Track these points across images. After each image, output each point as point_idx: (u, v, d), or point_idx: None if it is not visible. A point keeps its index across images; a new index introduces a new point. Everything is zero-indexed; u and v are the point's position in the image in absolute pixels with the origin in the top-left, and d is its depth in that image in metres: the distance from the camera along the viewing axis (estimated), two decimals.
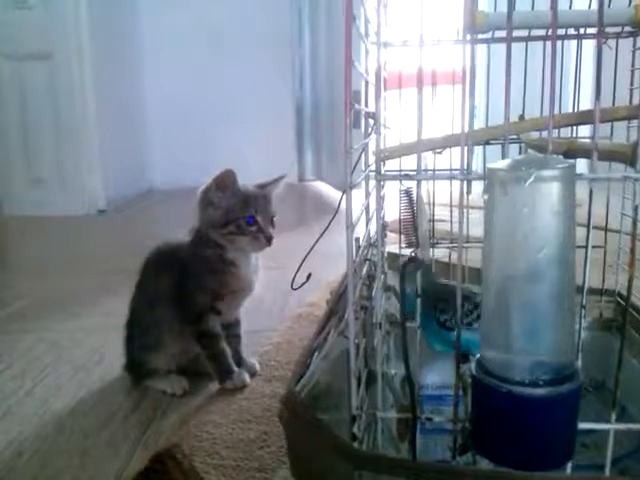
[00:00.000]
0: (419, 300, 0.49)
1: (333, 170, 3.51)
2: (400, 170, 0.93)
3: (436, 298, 0.78)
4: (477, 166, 1.15)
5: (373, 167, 0.61)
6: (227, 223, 1.01)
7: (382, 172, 0.51)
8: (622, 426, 0.44)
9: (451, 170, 1.10)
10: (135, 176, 3.80)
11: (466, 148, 0.46)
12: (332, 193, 3.51)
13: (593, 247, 0.74)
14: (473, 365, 0.42)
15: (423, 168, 0.53)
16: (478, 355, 0.42)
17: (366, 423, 0.52)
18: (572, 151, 0.54)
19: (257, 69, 3.93)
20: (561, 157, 0.56)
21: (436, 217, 1.12)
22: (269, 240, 1.02)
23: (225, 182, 1.01)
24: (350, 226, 0.41)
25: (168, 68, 3.90)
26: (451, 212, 1.22)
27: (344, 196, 0.47)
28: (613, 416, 0.44)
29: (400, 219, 0.86)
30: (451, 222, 1.16)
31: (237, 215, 1.01)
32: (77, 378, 1.15)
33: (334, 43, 3.28)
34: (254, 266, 1.07)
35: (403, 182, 0.54)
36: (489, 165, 0.38)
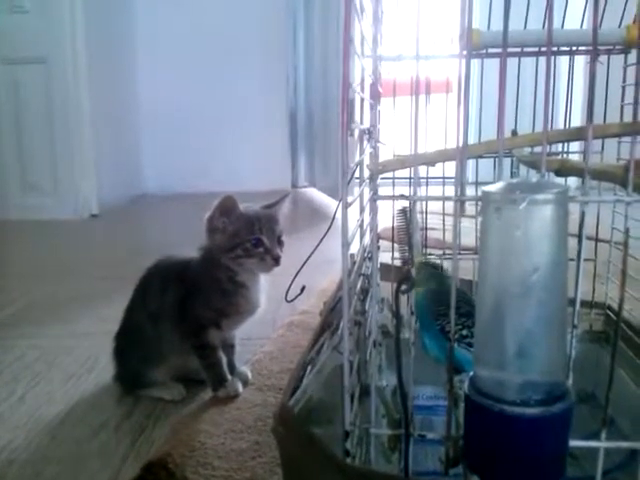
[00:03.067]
0: (413, 317, 0.49)
1: (326, 177, 3.51)
2: (394, 177, 0.94)
3: (449, 305, 0.78)
4: (470, 176, 1.16)
5: (367, 177, 0.62)
6: (234, 247, 1.02)
7: (377, 188, 0.52)
8: (612, 444, 0.45)
9: (444, 178, 1.11)
10: (128, 181, 3.80)
11: (459, 166, 0.46)
12: (325, 200, 3.51)
13: (584, 260, 0.75)
14: (466, 383, 0.43)
15: (416, 176, 0.54)
16: (471, 373, 0.43)
17: (358, 437, 0.52)
18: (564, 169, 0.55)
19: (251, 75, 3.94)
20: (553, 176, 0.57)
21: (428, 225, 1.12)
22: (277, 260, 1.03)
23: (227, 208, 1.02)
24: (345, 245, 0.42)
25: (163, 74, 3.90)
26: (443, 220, 1.23)
27: (340, 211, 0.47)
28: (603, 434, 0.45)
29: (393, 229, 0.87)
30: (443, 230, 1.17)
31: (242, 238, 1.02)
32: (69, 385, 1.15)
33: (328, 50, 3.29)
34: (262, 286, 1.08)
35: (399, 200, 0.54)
36: (483, 188, 0.39)
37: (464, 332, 0.73)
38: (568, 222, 0.38)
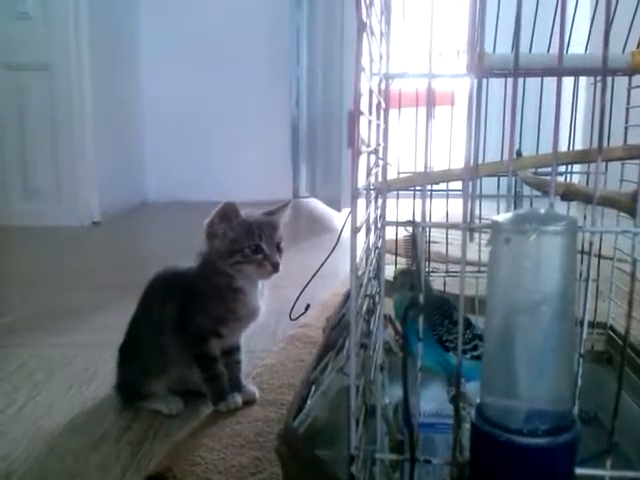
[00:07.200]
0: (420, 344, 0.49)
1: (327, 188, 3.52)
2: (398, 189, 0.94)
3: (446, 315, 0.80)
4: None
5: (373, 197, 0.62)
6: (233, 253, 1.02)
7: (385, 209, 0.52)
8: (617, 473, 0.45)
9: (448, 191, 1.11)
10: (130, 188, 3.81)
11: (467, 192, 0.47)
12: (326, 210, 3.52)
13: (586, 280, 0.75)
14: (473, 412, 0.43)
15: (423, 200, 0.54)
16: (478, 400, 0.43)
17: (363, 459, 0.52)
18: (570, 194, 0.55)
19: (254, 86, 3.95)
20: (559, 199, 0.57)
21: (431, 239, 1.13)
22: (275, 267, 1.03)
23: (227, 214, 1.02)
24: (354, 270, 0.42)
25: (165, 82, 3.91)
26: (447, 234, 1.23)
27: (345, 224, 0.47)
28: (608, 463, 0.45)
29: (397, 243, 0.88)
30: (446, 244, 1.18)
31: (242, 245, 1.02)
32: (69, 396, 1.15)
33: (331, 62, 3.31)
34: (260, 292, 1.08)
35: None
36: (493, 217, 0.39)
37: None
38: (576, 253, 0.38)
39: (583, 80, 0.91)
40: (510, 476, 0.40)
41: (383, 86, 0.56)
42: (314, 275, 0.86)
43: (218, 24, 3.86)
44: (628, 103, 0.89)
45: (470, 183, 0.46)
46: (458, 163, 0.72)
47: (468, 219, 0.43)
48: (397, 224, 0.51)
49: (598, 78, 0.82)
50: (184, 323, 1.05)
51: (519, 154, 0.79)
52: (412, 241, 0.54)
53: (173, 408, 1.07)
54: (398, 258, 0.97)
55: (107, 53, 3.33)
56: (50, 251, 2.63)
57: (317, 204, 3.82)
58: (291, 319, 0.90)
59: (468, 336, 0.81)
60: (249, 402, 1.08)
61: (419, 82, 0.64)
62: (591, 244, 0.43)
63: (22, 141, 3.08)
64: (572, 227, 0.37)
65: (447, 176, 0.69)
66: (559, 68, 0.48)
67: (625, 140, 0.87)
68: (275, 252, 1.04)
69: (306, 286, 0.88)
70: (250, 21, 3.88)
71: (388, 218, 0.53)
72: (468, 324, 0.83)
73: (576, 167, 0.95)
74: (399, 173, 0.93)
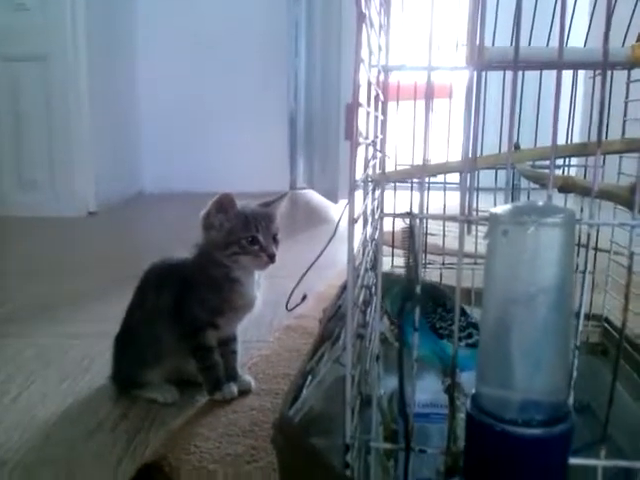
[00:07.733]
0: (417, 334, 0.49)
1: (324, 179, 3.52)
2: (395, 181, 0.94)
3: (438, 303, 0.80)
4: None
5: (371, 189, 0.62)
6: (229, 245, 1.02)
7: (382, 202, 0.52)
8: (610, 463, 0.45)
9: (445, 184, 1.12)
10: (126, 179, 3.80)
11: (464, 185, 0.47)
12: (323, 202, 3.52)
13: (583, 273, 0.76)
14: (468, 402, 0.43)
15: (421, 192, 0.54)
16: (473, 391, 0.43)
17: (357, 448, 0.52)
18: (568, 187, 0.55)
19: (252, 77, 3.94)
20: (557, 191, 0.57)
21: (427, 231, 1.13)
22: (271, 258, 1.03)
23: (224, 205, 1.02)
24: (351, 261, 0.42)
25: (162, 74, 3.89)
26: (443, 226, 1.23)
27: (341, 215, 0.47)
28: (602, 453, 0.45)
29: (393, 235, 0.88)
30: (443, 236, 1.18)
31: (238, 236, 1.02)
32: (64, 385, 1.15)
33: (328, 54, 3.30)
34: (257, 283, 1.08)
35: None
36: (491, 209, 0.39)
37: (454, 327, 0.74)
38: (574, 245, 0.39)
39: (581, 73, 0.91)
40: (504, 466, 0.40)
41: (382, 78, 0.56)
42: (311, 266, 0.86)
43: (216, 16, 3.84)
44: (627, 97, 0.89)
45: (468, 175, 0.46)
46: (456, 155, 0.72)
47: (466, 211, 0.43)
48: (394, 216, 0.51)
49: (597, 71, 0.82)
50: (180, 314, 1.05)
51: (517, 147, 0.79)
52: (409, 233, 0.54)
53: (169, 397, 1.07)
54: (395, 250, 0.97)
55: (104, 44, 3.31)
56: (46, 242, 2.62)
57: (314, 195, 3.82)
58: (287, 310, 0.90)
59: (462, 324, 0.81)
60: (245, 392, 1.08)
61: (418, 74, 0.64)
62: (589, 236, 0.44)
63: (18, 132, 3.06)
64: (570, 220, 0.38)
65: (445, 168, 0.69)
66: (559, 61, 0.48)
67: (623, 133, 0.87)
68: (271, 243, 1.04)
69: (303, 277, 0.88)
70: (248, 13, 3.86)
71: (385, 210, 0.53)
72: (462, 312, 0.83)
73: (573, 160, 0.95)
74: (397, 165, 0.93)
